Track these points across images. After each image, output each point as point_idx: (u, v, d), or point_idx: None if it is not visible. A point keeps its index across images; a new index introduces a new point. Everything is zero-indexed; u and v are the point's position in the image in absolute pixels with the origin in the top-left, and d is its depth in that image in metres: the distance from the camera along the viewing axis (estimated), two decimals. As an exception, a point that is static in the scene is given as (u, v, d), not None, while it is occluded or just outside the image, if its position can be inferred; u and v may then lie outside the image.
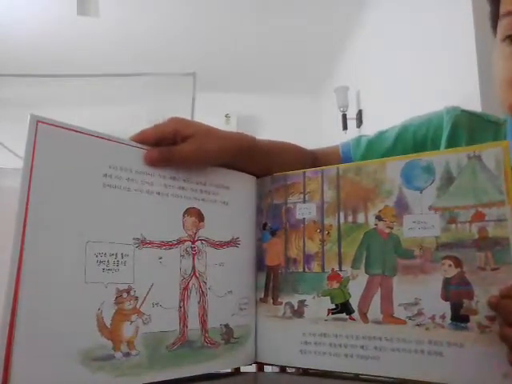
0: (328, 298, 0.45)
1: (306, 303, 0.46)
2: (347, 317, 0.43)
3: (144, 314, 0.40)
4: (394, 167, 0.44)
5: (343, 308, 0.44)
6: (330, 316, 0.44)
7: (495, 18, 0.55)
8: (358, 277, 0.44)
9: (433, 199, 0.41)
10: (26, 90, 3.00)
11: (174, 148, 0.44)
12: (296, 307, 0.46)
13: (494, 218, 0.38)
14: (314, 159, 0.63)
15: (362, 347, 0.42)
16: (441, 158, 0.41)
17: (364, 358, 0.42)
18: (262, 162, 0.52)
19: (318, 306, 0.45)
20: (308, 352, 0.45)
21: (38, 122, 0.36)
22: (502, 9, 0.52)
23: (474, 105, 1.41)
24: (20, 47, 3.07)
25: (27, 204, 0.34)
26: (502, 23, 0.52)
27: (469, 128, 0.61)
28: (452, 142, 0.60)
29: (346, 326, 0.43)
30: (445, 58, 1.67)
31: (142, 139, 0.43)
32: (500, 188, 0.38)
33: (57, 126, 0.37)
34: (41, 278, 0.34)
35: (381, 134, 0.67)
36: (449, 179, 0.41)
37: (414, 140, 0.64)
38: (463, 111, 0.64)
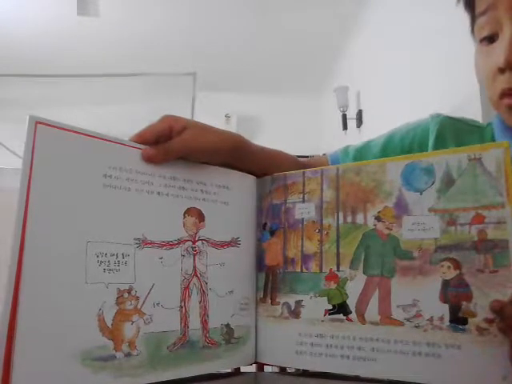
0: (325, 298, 0.45)
1: (302, 303, 0.46)
2: (344, 318, 0.43)
3: (145, 314, 0.40)
4: (394, 168, 0.44)
5: (340, 309, 0.44)
6: (327, 317, 0.44)
7: (473, 23, 0.57)
8: (355, 277, 0.43)
9: (433, 201, 0.41)
10: (26, 90, 3.00)
11: (170, 141, 0.45)
12: (293, 307, 0.46)
13: (493, 221, 0.38)
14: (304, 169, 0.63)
15: (359, 348, 0.42)
16: (441, 160, 0.41)
17: (361, 360, 0.42)
18: (257, 164, 0.52)
19: (315, 306, 0.45)
20: (303, 353, 0.45)
21: (36, 123, 0.36)
22: (477, 11, 0.54)
23: (474, 105, 1.41)
24: (20, 47, 3.07)
25: (27, 205, 0.34)
26: (477, 24, 0.54)
27: (454, 132, 0.63)
28: (439, 147, 0.62)
29: (342, 326, 0.43)
30: (445, 58, 1.67)
31: (139, 140, 0.44)
32: (500, 190, 0.38)
33: (56, 126, 0.37)
34: (41, 279, 0.34)
35: (368, 143, 0.69)
36: (449, 181, 0.41)
37: (401, 147, 0.65)
38: (446, 117, 0.66)
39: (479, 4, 0.54)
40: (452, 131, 0.63)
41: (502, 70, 0.51)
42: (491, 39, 0.53)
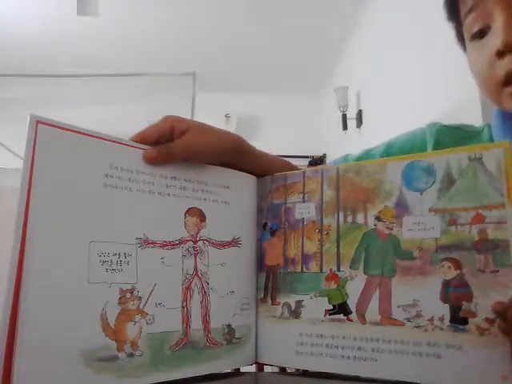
0: (325, 298, 0.45)
1: (303, 304, 0.46)
2: (345, 318, 0.43)
3: (147, 314, 0.40)
4: (394, 168, 0.44)
5: (341, 309, 0.44)
6: (328, 317, 0.44)
7: (460, 29, 0.57)
8: (356, 277, 0.43)
9: (433, 201, 0.41)
10: (26, 90, 3.00)
11: (172, 143, 0.45)
12: (293, 307, 0.46)
13: (494, 221, 0.38)
14: None
15: (359, 349, 0.42)
16: (442, 160, 0.41)
17: (361, 360, 0.42)
18: (257, 165, 0.52)
19: (315, 306, 0.45)
20: (304, 353, 0.45)
21: (37, 123, 0.36)
22: (462, 12, 0.54)
23: (474, 105, 1.41)
24: (20, 47, 3.07)
25: (28, 205, 0.34)
26: (466, 23, 0.54)
27: (452, 140, 0.63)
28: None
29: (343, 326, 0.43)
30: (445, 58, 1.67)
31: (141, 140, 0.44)
32: (501, 190, 0.38)
33: (57, 126, 0.37)
34: (43, 279, 0.34)
35: (368, 152, 0.69)
36: (449, 181, 0.41)
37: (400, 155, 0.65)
38: (443, 126, 0.66)
39: (464, 5, 0.54)
40: (449, 139, 0.63)
41: (501, 54, 0.49)
42: (482, 34, 0.52)
